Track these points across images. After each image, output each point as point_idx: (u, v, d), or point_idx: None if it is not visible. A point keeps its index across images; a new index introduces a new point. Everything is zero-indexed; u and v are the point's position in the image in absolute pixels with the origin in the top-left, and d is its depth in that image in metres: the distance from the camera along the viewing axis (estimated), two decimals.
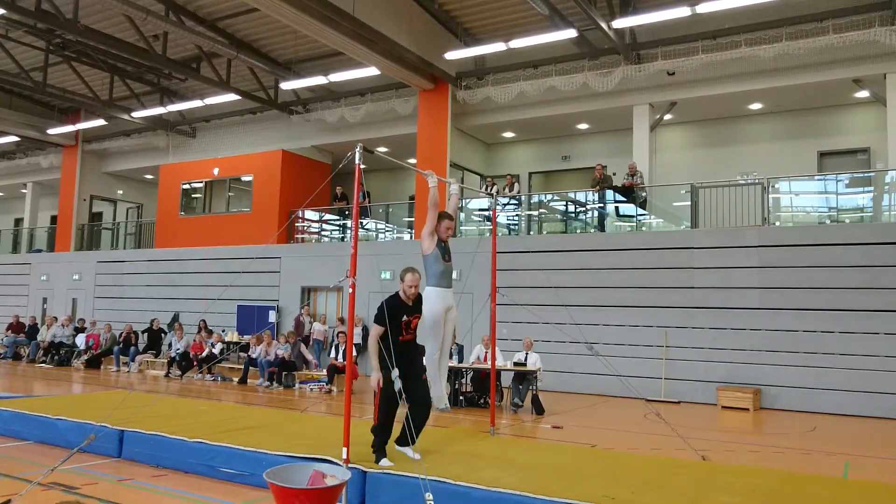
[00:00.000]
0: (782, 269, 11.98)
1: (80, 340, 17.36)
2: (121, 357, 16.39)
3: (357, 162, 5.80)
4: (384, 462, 5.48)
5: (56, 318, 18.82)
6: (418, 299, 5.80)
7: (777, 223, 13.27)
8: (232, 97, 17.46)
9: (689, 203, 13.80)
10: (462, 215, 16.73)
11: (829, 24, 12.16)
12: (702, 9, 11.46)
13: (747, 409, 11.42)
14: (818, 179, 13.87)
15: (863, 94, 13.62)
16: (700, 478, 5.75)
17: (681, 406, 11.96)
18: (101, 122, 20.74)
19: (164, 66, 17.11)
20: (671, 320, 12.71)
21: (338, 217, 18.90)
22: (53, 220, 24.69)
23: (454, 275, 16.14)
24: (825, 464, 7.60)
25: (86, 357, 16.83)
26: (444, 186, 6.20)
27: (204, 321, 16.47)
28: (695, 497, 5.04)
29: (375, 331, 5.56)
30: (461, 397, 11.27)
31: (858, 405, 11.12)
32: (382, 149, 17.72)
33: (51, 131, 21.58)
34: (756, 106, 14.80)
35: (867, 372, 11.14)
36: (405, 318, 5.68)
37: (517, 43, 13.21)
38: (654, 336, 12.81)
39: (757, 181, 13.39)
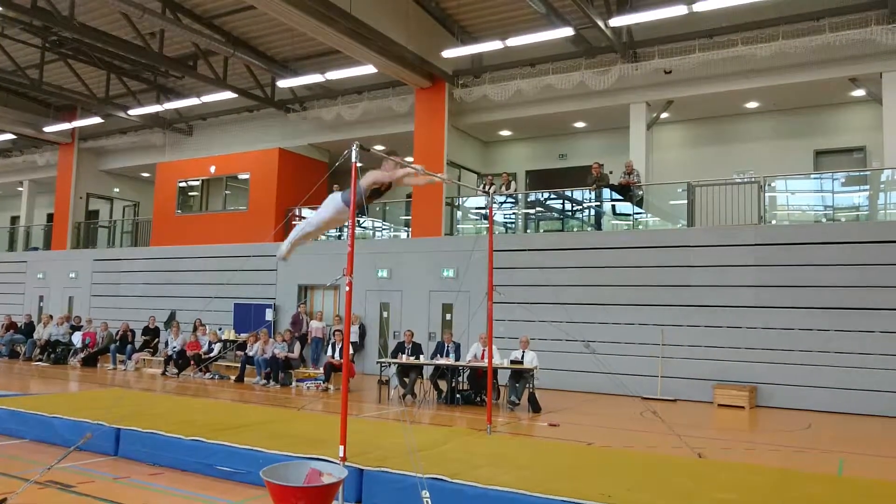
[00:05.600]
0: (778, 268, 12.01)
1: (77, 338, 17.32)
2: (117, 355, 16.37)
3: (354, 160, 5.79)
4: None
5: (52, 317, 18.79)
6: None
7: (773, 222, 13.30)
8: (229, 95, 17.41)
9: (685, 201, 13.81)
10: (459, 213, 16.75)
11: (826, 23, 12.18)
12: (698, 7, 11.49)
13: (743, 407, 11.45)
14: (814, 178, 13.91)
15: (859, 92, 13.64)
16: (696, 475, 5.77)
17: (677, 404, 11.99)
18: (97, 119, 20.66)
19: (160, 64, 17.06)
20: (667, 318, 12.73)
21: None
22: (50, 218, 24.63)
23: (450, 273, 16.06)
24: (820, 461, 7.64)
25: (82, 355, 16.79)
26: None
27: (199, 319, 16.45)
28: (691, 494, 5.06)
29: None
30: (458, 395, 11.29)
31: (853, 403, 11.15)
32: (379, 147, 17.66)
33: (47, 129, 21.51)
34: (752, 104, 14.83)
35: (862, 370, 11.17)
36: None
37: (514, 41, 13.23)
38: (650, 334, 12.82)
39: (753, 180, 13.43)
